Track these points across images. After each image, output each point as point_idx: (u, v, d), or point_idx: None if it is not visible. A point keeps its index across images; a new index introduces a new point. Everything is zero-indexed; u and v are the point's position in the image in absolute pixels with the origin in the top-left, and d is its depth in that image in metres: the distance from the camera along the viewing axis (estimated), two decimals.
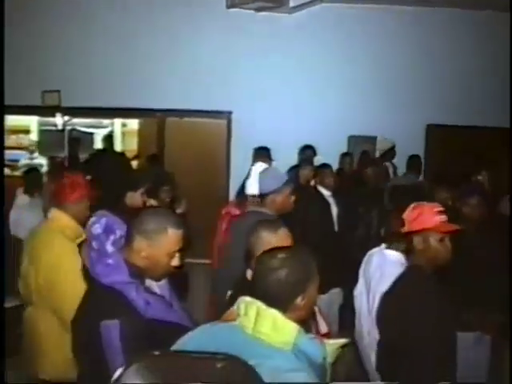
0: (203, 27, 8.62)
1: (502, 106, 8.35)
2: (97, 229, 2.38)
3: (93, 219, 2.46)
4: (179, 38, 8.67)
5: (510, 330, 1.86)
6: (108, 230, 2.37)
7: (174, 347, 1.91)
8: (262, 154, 5.96)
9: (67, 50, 8.61)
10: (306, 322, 2.11)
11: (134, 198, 4.42)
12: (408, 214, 2.92)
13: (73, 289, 2.63)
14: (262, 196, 3.70)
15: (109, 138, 9.02)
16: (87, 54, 8.63)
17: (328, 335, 2.55)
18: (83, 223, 2.90)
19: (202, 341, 1.90)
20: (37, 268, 3.20)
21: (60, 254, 3.14)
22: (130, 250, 2.32)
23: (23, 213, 5.60)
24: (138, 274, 2.31)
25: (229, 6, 8.38)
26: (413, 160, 7.56)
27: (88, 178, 5.21)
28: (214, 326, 2.04)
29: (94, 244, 2.35)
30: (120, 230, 2.39)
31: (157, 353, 1.47)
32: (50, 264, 3.15)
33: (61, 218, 3.34)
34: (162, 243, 2.29)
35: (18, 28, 8.19)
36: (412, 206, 2.93)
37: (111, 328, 2.14)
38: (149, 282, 2.39)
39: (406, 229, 2.90)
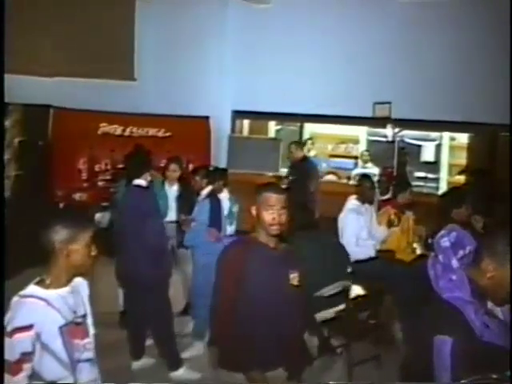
0: None
1: None
2: (445, 242, 2.43)
3: (442, 232, 2.50)
4: None
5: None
6: (457, 245, 2.39)
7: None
8: None
9: (399, 59, 8.76)
10: None
11: (460, 213, 4.48)
12: None
13: None
14: None
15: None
16: (419, 66, 8.69)
17: None
18: None
19: None
20: None
21: None
22: (475, 269, 2.31)
23: (348, 215, 5.93)
24: (480, 294, 2.29)
25: None
26: None
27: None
28: None
29: (441, 257, 2.40)
30: (470, 246, 2.39)
31: (495, 376, 1.48)
32: None
33: None
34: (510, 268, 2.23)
35: None
36: None
37: (444, 344, 2.19)
38: (491, 306, 2.35)
39: None
